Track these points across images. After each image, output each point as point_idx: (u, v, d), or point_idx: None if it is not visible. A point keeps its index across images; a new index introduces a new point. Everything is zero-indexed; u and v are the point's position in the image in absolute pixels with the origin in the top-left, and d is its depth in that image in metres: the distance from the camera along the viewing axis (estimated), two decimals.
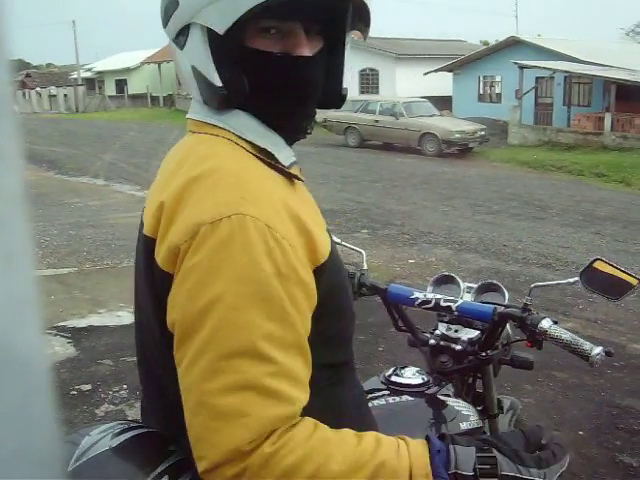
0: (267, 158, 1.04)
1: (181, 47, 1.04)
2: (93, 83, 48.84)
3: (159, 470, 0.99)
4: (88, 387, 3.92)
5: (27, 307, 0.32)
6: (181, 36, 1.03)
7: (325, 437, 0.92)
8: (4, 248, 0.30)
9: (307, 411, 0.92)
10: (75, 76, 48.20)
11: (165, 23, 1.06)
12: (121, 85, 45.58)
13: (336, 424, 0.96)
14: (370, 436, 0.97)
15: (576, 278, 1.85)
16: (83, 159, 16.57)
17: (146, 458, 1.01)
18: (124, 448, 1.01)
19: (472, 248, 8.00)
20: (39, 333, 0.32)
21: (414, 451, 0.97)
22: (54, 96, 40.79)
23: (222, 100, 1.02)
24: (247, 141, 1.04)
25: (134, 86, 44.29)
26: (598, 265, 1.85)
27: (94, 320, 5.10)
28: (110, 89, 46.83)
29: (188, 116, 1.12)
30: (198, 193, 0.94)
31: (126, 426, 1.05)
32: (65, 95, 41.43)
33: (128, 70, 45.25)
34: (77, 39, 46.88)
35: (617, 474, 3.21)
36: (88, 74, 49.40)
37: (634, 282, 1.79)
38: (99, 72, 48.86)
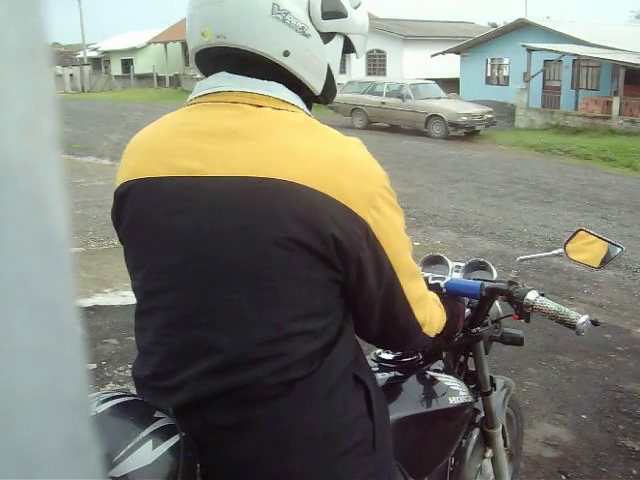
0: None
1: (324, 42, 1.21)
2: (99, 63, 48.69)
3: (143, 435, 1.02)
4: (94, 366, 3.94)
5: (59, 250, 0.32)
6: (328, 35, 1.21)
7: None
8: (37, 188, 0.30)
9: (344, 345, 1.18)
10: (81, 55, 48.03)
11: (326, 17, 1.19)
12: (127, 65, 45.44)
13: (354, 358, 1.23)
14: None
15: (560, 249, 1.89)
16: (89, 139, 16.53)
17: (131, 423, 1.05)
18: (109, 414, 1.04)
19: (478, 231, 7.99)
20: (69, 275, 0.32)
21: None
22: (60, 75, 40.50)
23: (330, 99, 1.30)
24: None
25: (140, 66, 44.17)
26: (581, 235, 1.89)
27: (100, 300, 5.12)
28: (116, 69, 46.70)
29: (269, 94, 1.17)
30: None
31: (112, 394, 1.09)
32: (71, 75, 41.20)
33: (134, 50, 45.11)
34: (83, 18, 46.67)
35: (619, 458, 3.22)
36: (94, 54, 49.24)
37: (617, 250, 1.84)
38: (105, 52, 48.70)
